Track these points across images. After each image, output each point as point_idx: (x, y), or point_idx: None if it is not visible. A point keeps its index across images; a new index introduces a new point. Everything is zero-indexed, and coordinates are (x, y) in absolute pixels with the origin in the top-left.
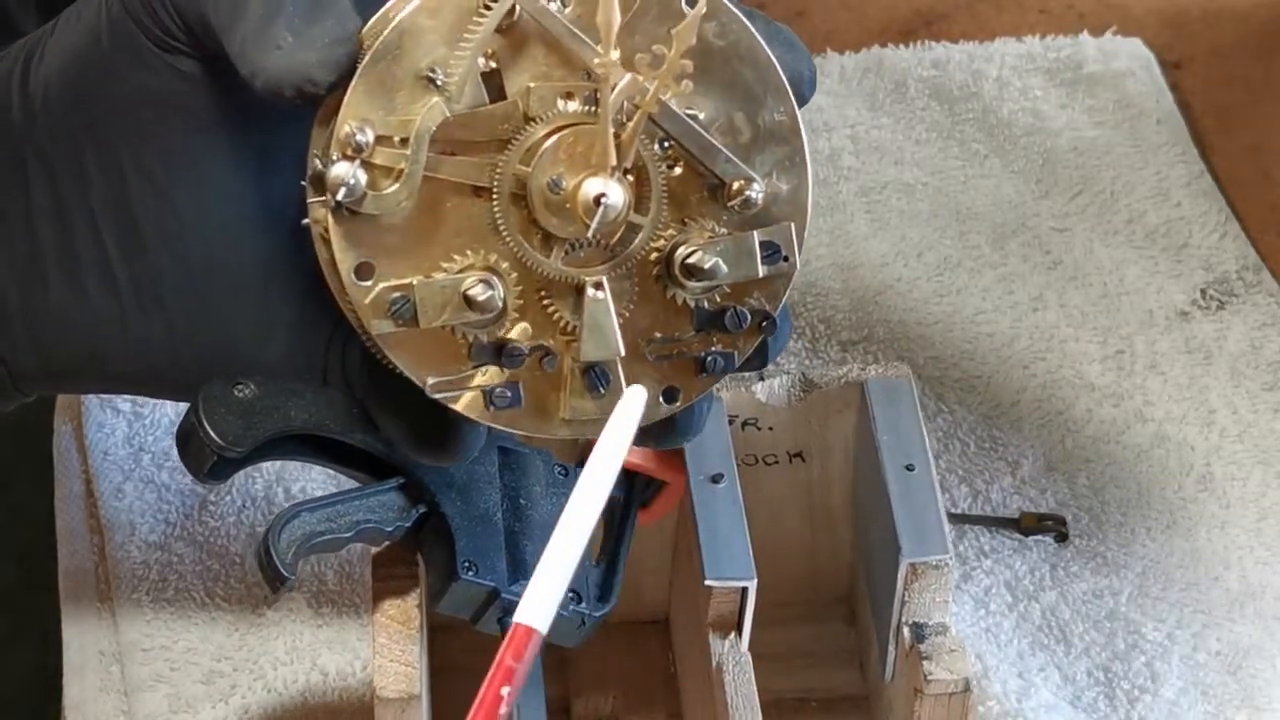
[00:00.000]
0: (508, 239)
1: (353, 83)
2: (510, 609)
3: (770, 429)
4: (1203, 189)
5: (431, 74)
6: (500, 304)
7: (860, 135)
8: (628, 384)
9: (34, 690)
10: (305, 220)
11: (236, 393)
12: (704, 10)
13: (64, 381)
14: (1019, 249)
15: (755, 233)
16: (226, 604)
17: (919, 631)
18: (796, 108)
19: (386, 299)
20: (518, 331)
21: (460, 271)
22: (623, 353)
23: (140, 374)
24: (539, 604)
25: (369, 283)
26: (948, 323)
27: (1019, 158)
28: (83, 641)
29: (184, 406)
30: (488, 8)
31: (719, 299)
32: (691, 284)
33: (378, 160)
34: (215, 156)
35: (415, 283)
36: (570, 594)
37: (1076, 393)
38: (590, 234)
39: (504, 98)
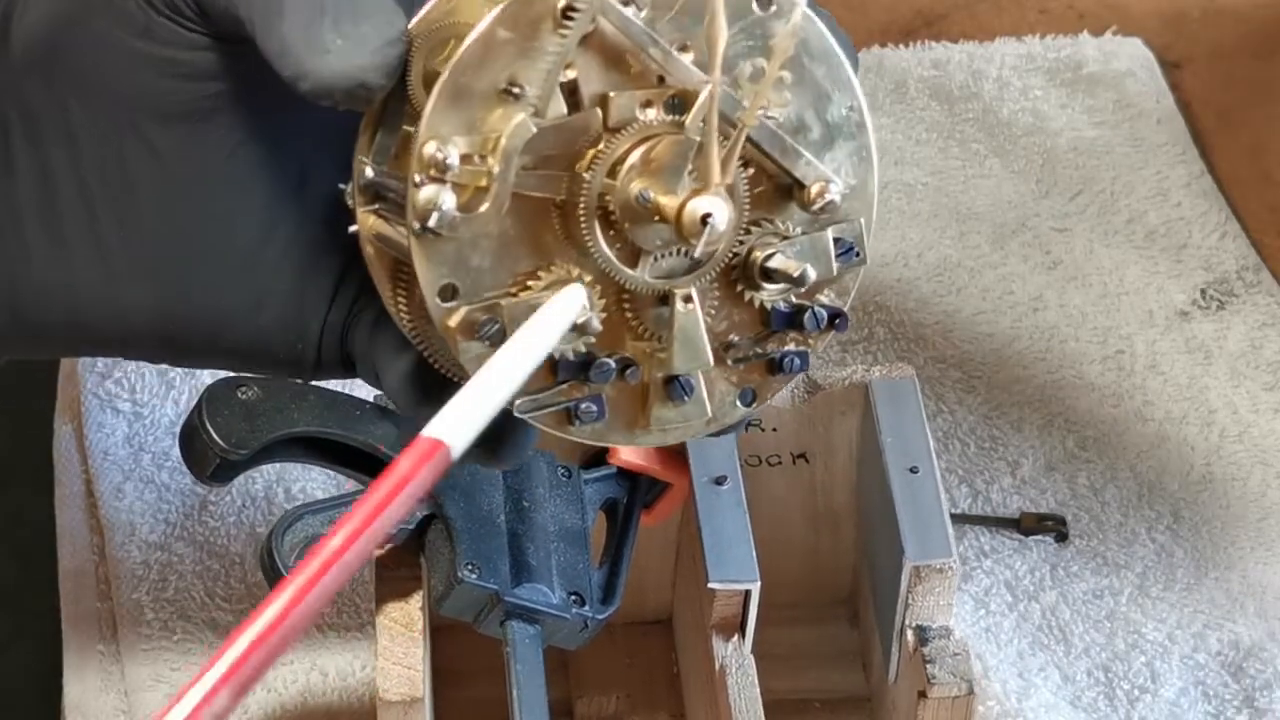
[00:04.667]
0: (595, 254)
1: (431, 99)
2: (513, 611)
3: (774, 430)
4: (1203, 189)
5: (513, 88)
6: (594, 318)
7: None
8: (709, 390)
9: (34, 690)
10: (352, 228)
11: (240, 395)
12: (800, 20)
13: (38, 344)
14: (1019, 249)
15: (830, 231)
16: (226, 604)
17: (922, 635)
18: (863, 100)
19: (474, 321)
20: (601, 347)
21: (546, 288)
22: (713, 364)
23: (122, 338)
24: (456, 419)
25: (454, 304)
26: (948, 323)
27: (1019, 158)
28: (83, 641)
29: (185, 406)
30: (569, 17)
31: (794, 299)
32: (770, 286)
33: (463, 180)
34: (218, 123)
35: (503, 303)
36: (573, 596)
37: (1076, 393)
38: (699, 253)
39: (580, 107)
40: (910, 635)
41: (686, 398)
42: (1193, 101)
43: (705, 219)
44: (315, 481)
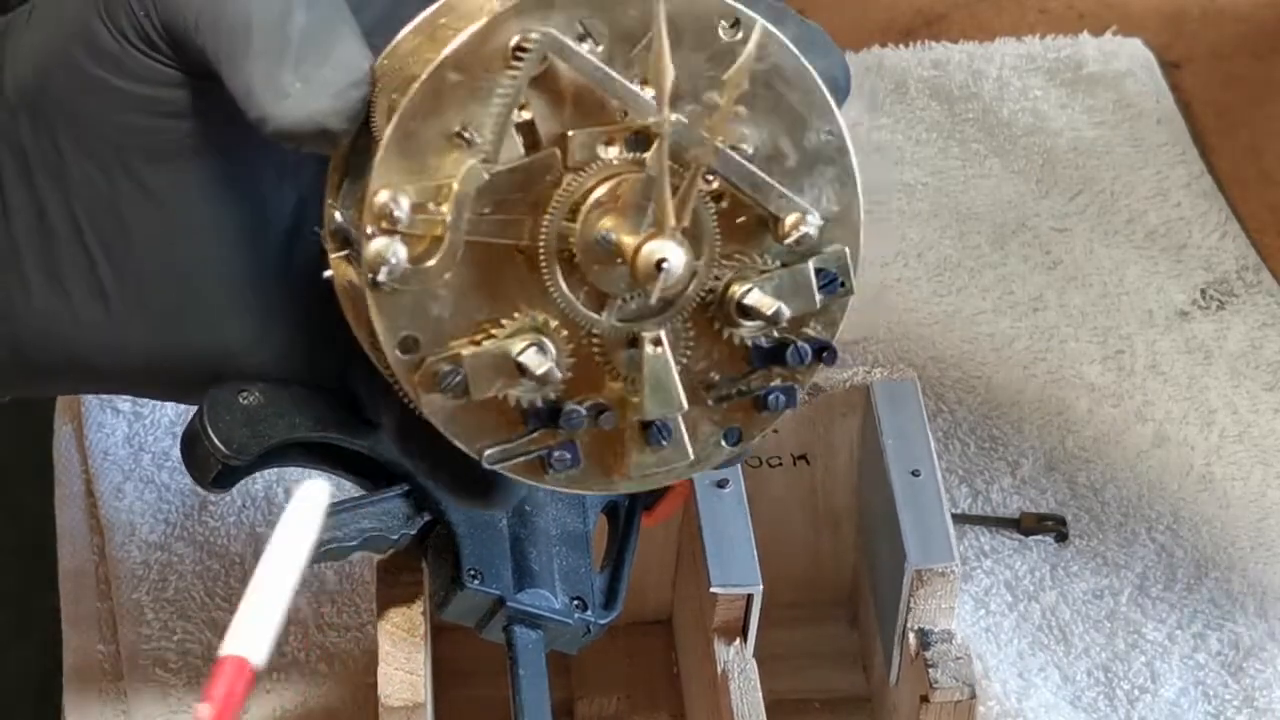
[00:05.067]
0: (557, 299)
1: (381, 148)
2: (516, 616)
3: (775, 431)
4: (1203, 189)
5: (464, 133)
6: (554, 369)
7: (860, 135)
8: (690, 433)
9: (34, 690)
10: (327, 274)
11: (242, 399)
12: (754, 53)
13: (41, 382)
14: (1019, 249)
15: (810, 263)
16: (226, 604)
17: (924, 638)
18: (843, 124)
19: (435, 372)
20: (572, 391)
21: (509, 336)
22: (686, 407)
23: (122, 375)
24: (250, 633)
25: (415, 356)
26: (948, 323)
27: (1019, 158)
28: (83, 642)
29: (186, 407)
30: (518, 58)
31: (776, 334)
32: (748, 323)
33: (416, 230)
34: (207, 162)
35: (465, 354)
36: (575, 600)
37: (1076, 393)
38: (654, 300)
39: (539, 147)
40: (912, 639)
41: (665, 442)
42: (1193, 101)
43: (660, 264)
44: None
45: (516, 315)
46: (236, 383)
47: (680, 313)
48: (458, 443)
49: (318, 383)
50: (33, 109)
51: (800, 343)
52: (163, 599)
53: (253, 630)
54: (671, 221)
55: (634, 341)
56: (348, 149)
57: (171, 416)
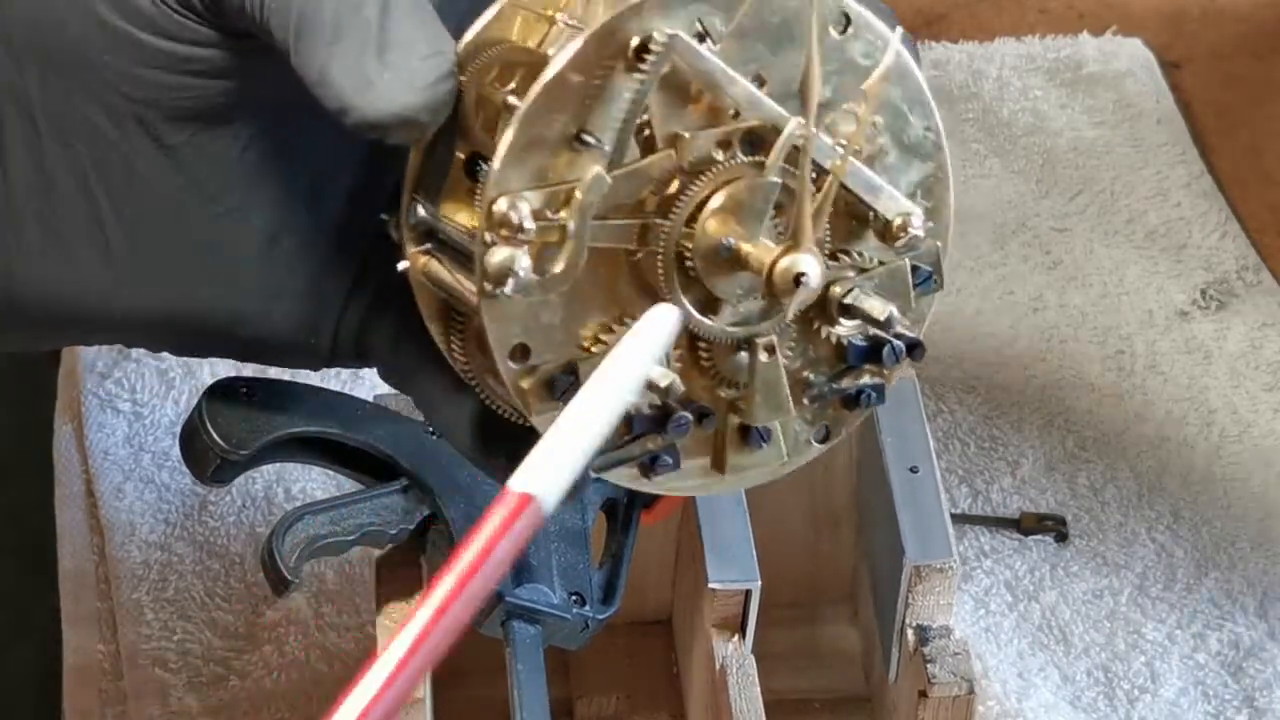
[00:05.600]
0: (673, 305)
1: (500, 153)
2: (514, 611)
3: None
4: (1203, 189)
5: (585, 136)
6: (677, 381)
7: None
8: (784, 433)
9: (34, 691)
10: (402, 265)
11: (240, 395)
12: (893, 64)
13: (38, 337)
14: (1019, 249)
15: (908, 260)
16: (226, 604)
17: (923, 634)
18: (939, 120)
19: (549, 380)
20: (677, 394)
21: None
22: (793, 413)
23: (125, 331)
24: (546, 470)
25: (527, 364)
26: (948, 323)
27: (1019, 158)
28: (82, 642)
29: (186, 406)
30: (641, 59)
31: (871, 331)
32: (847, 323)
33: (534, 238)
34: (230, 121)
35: (580, 363)
36: (574, 596)
37: (1076, 393)
38: (790, 315)
39: (653, 148)
40: (910, 635)
41: (764, 444)
42: (1193, 101)
43: (799, 278)
44: (315, 481)
45: (626, 321)
46: (235, 378)
47: (785, 316)
48: None
49: (324, 350)
50: (43, 57)
51: (895, 341)
52: (163, 599)
53: (551, 466)
54: (810, 236)
55: (742, 345)
56: (430, 138)
57: (171, 416)
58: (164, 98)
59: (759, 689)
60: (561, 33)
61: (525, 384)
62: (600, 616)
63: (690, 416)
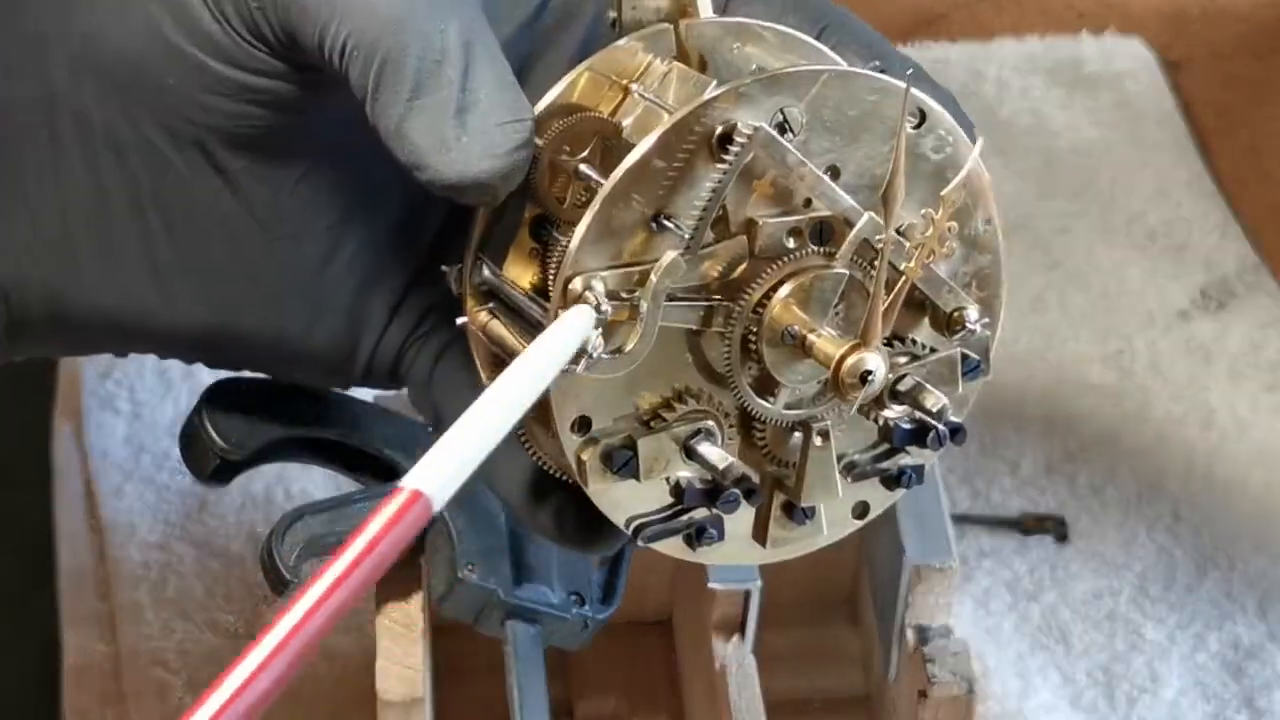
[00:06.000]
0: (735, 388)
1: (579, 233)
2: (513, 611)
3: None
4: (1203, 189)
5: (664, 220)
6: (735, 463)
7: None
8: (827, 512)
9: (34, 691)
10: (460, 320)
11: (239, 395)
12: (973, 169)
13: (75, 345)
14: (1019, 249)
15: (958, 349)
16: (226, 604)
17: (923, 634)
18: (997, 213)
19: (608, 454)
20: (733, 476)
21: (679, 419)
22: (841, 495)
23: (163, 346)
24: (440, 470)
25: (587, 436)
26: None
27: (1019, 158)
28: (83, 642)
29: (185, 406)
30: (725, 149)
31: (916, 415)
32: (896, 406)
33: (609, 318)
34: (290, 148)
35: (639, 439)
36: (573, 595)
37: (1076, 393)
38: (855, 409)
39: (725, 229)
40: (910, 635)
41: (808, 520)
42: (1193, 101)
43: (865, 376)
44: (315, 481)
45: (690, 400)
46: (235, 377)
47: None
48: (612, 517)
49: (360, 369)
50: (103, 73)
51: (941, 427)
52: (163, 599)
53: (443, 464)
54: (880, 335)
55: (796, 427)
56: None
57: (171, 416)
58: (225, 124)
59: (759, 689)
60: (637, 104)
61: (585, 455)
62: (600, 616)
63: (739, 494)
